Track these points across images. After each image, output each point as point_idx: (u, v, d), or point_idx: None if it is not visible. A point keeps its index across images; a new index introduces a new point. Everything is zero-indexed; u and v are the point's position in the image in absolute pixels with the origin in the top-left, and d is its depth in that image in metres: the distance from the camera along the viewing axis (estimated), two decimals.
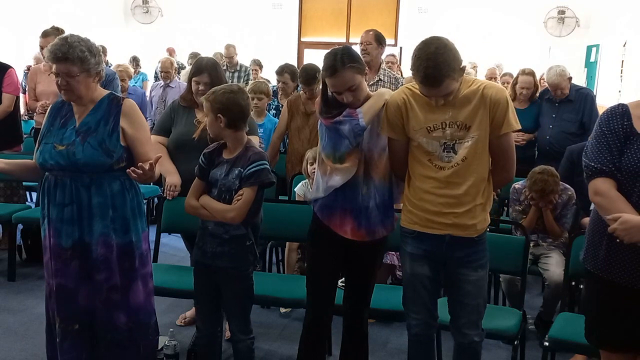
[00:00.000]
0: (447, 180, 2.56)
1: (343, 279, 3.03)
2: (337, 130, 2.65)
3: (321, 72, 2.69)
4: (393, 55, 8.02)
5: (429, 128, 2.56)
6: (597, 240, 2.42)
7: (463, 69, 2.48)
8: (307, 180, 4.14)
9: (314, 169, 3.80)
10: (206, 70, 3.52)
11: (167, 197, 3.59)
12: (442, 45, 2.41)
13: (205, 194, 2.84)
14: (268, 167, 2.79)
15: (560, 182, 3.99)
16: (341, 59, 2.61)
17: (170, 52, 11.46)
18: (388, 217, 2.80)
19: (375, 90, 3.67)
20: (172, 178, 3.56)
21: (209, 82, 3.43)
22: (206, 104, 2.80)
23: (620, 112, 2.37)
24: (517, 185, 4.15)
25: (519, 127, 2.62)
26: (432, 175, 2.58)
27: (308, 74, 4.44)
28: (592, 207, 3.18)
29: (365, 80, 2.74)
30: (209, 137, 3.35)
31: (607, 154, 2.34)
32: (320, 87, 4.39)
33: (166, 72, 6.68)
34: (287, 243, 4.26)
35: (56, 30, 4.89)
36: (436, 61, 2.37)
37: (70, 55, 2.60)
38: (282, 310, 4.19)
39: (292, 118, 4.55)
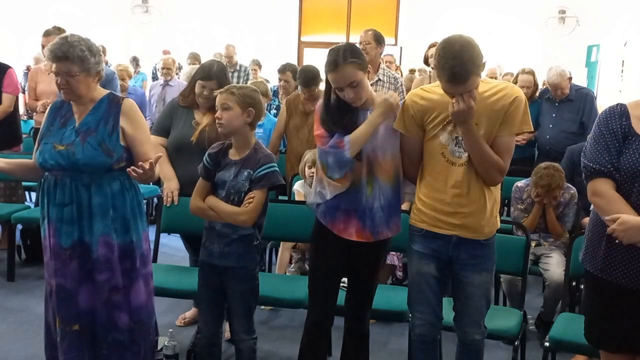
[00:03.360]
0: (456, 179, 2.57)
1: (345, 280, 3.03)
2: (325, 159, 2.67)
3: (324, 68, 2.68)
4: (391, 55, 8.03)
5: (444, 121, 2.57)
6: (596, 240, 2.42)
7: (484, 64, 2.48)
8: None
9: (312, 172, 3.79)
10: (216, 78, 3.50)
11: (166, 204, 3.59)
12: (466, 43, 2.42)
13: (212, 195, 2.84)
14: (277, 169, 2.81)
15: None
16: (343, 54, 2.61)
17: (166, 54, 11.44)
18: (393, 218, 2.79)
19: (375, 90, 3.66)
20: (170, 184, 3.57)
21: (215, 89, 3.43)
22: (230, 97, 2.77)
23: (619, 112, 2.37)
24: (520, 183, 4.15)
25: (530, 128, 2.64)
26: (444, 174, 2.60)
27: (307, 76, 4.44)
28: (592, 207, 3.19)
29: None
30: (207, 139, 3.36)
31: (606, 154, 2.33)
32: (318, 89, 4.46)
33: (168, 69, 6.64)
34: (282, 243, 4.24)
35: (57, 30, 4.90)
36: (462, 59, 2.38)
37: (70, 54, 2.60)
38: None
39: (290, 117, 4.54)
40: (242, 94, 2.78)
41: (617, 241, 2.24)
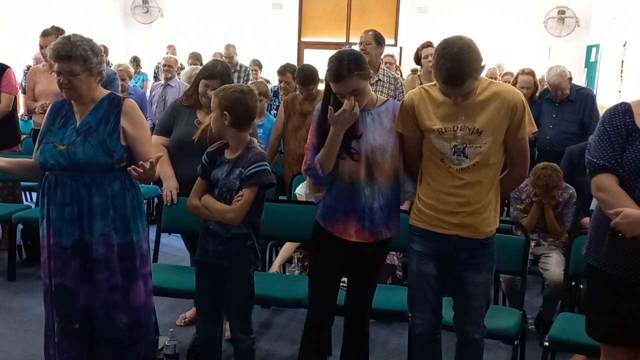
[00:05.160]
0: (457, 182, 2.58)
1: (345, 279, 3.03)
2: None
3: (325, 75, 2.68)
4: (391, 56, 8.03)
5: (440, 130, 2.58)
6: (600, 235, 2.44)
7: (483, 67, 2.50)
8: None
9: None
10: (219, 76, 3.52)
11: (166, 203, 3.61)
12: (465, 46, 2.43)
13: (207, 194, 2.85)
14: (269, 167, 2.81)
15: None
16: (347, 65, 2.60)
17: (172, 49, 11.47)
18: (392, 219, 2.80)
19: (375, 90, 3.67)
20: (169, 183, 3.58)
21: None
22: (214, 99, 2.81)
23: (623, 110, 2.41)
24: None
25: (535, 129, 2.68)
26: (444, 176, 2.61)
27: (304, 74, 4.45)
28: (592, 205, 3.19)
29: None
30: (209, 139, 3.37)
31: (610, 150, 2.37)
32: (316, 88, 4.47)
33: (169, 66, 6.62)
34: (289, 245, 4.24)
35: (56, 30, 4.91)
36: (460, 62, 2.40)
37: (73, 53, 2.61)
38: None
39: (288, 118, 4.54)
40: (221, 97, 2.78)
41: (620, 234, 2.26)
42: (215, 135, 3.09)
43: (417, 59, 5.50)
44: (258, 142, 3.33)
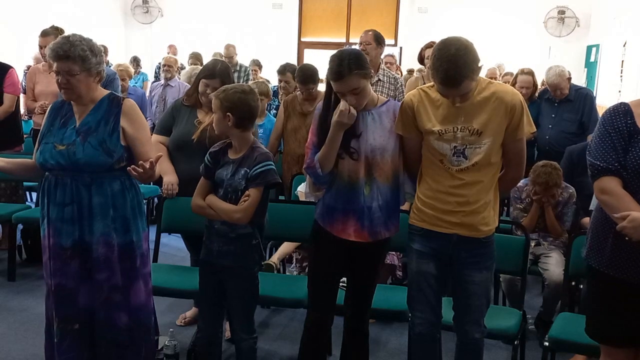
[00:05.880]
0: (456, 182, 2.59)
1: (344, 279, 3.03)
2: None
3: (326, 73, 2.69)
4: (391, 56, 8.03)
5: (440, 132, 2.58)
6: (602, 237, 2.43)
7: (480, 68, 2.51)
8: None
9: None
10: (219, 76, 3.53)
11: (165, 196, 3.61)
12: (462, 47, 2.43)
13: (212, 194, 2.85)
14: (274, 167, 2.81)
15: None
16: (348, 65, 2.60)
17: (173, 49, 11.47)
18: (391, 219, 2.80)
19: (375, 90, 3.68)
20: (169, 177, 3.59)
21: (218, 88, 3.44)
22: (215, 101, 2.81)
23: (623, 111, 2.39)
24: (519, 183, 4.15)
25: (534, 129, 2.68)
26: (443, 176, 2.61)
27: (305, 74, 4.45)
28: (592, 205, 3.19)
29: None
30: (209, 139, 3.38)
31: (612, 152, 2.35)
32: (316, 88, 4.47)
33: (169, 66, 6.62)
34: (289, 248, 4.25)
35: (55, 30, 4.91)
36: (457, 63, 2.40)
37: (71, 53, 2.61)
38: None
39: (288, 118, 4.54)
40: (222, 98, 2.78)
41: (626, 238, 2.25)
42: (214, 135, 3.09)
43: (421, 59, 5.51)
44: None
